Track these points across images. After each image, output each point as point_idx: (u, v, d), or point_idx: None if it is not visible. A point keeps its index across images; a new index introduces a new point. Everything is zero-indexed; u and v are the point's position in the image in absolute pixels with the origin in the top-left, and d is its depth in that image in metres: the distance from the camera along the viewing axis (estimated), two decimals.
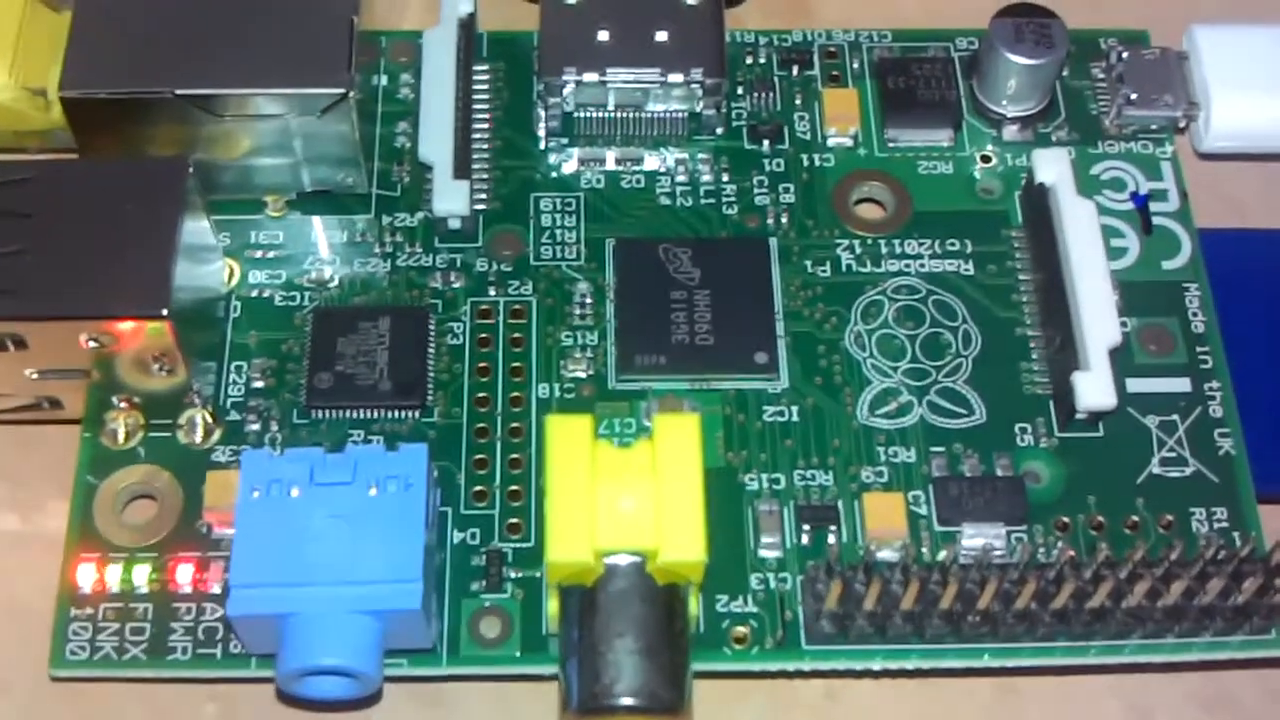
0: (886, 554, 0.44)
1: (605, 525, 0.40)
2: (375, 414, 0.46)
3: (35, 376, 0.45)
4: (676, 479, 0.41)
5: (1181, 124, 0.52)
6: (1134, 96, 0.52)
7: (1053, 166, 0.49)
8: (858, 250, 0.50)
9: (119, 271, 0.43)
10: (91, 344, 0.43)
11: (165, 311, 0.43)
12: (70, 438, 0.47)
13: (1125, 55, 0.52)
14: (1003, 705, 0.45)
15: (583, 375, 0.47)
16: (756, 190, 0.51)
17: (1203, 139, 0.52)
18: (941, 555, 0.43)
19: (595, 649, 0.40)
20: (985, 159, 0.51)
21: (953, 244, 0.50)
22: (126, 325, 0.43)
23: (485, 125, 0.51)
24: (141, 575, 0.44)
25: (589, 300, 0.49)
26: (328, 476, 0.42)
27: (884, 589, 0.43)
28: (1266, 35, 0.53)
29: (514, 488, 0.46)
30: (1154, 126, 0.52)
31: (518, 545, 0.45)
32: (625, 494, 0.41)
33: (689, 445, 0.41)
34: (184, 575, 0.44)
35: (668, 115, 0.51)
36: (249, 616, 0.40)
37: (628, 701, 0.40)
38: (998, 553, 0.44)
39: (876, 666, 0.44)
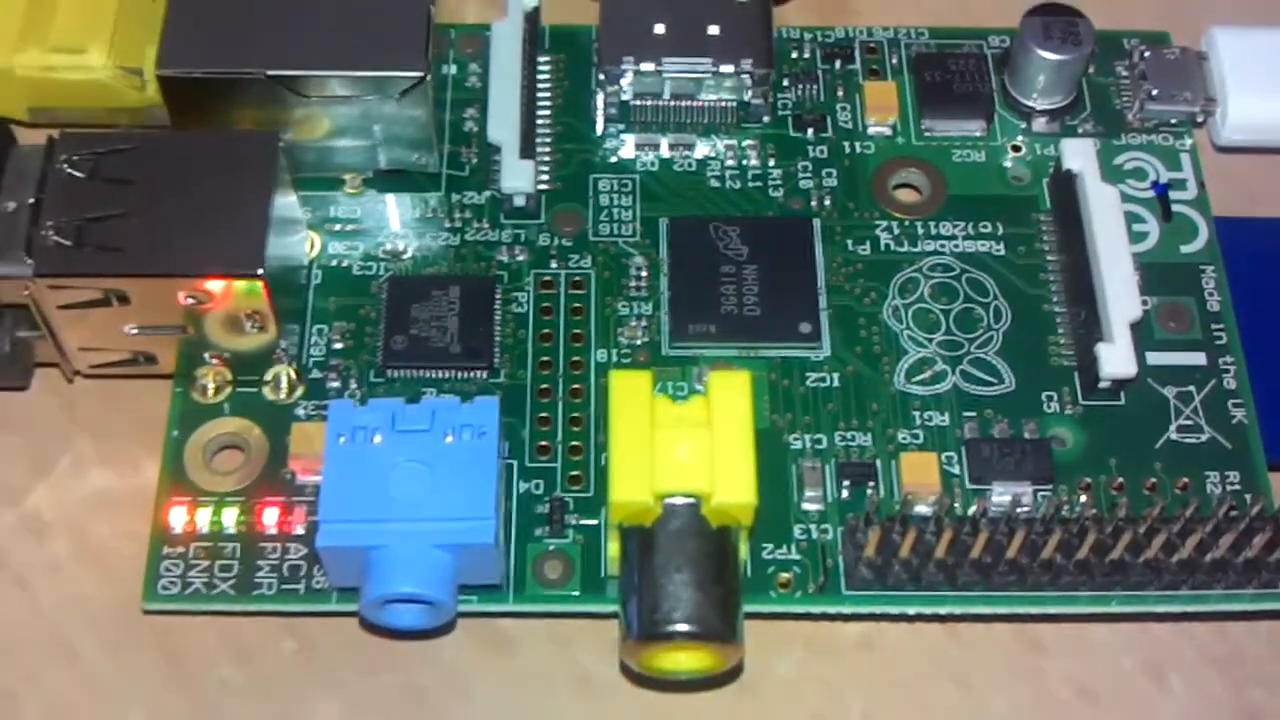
0: (921, 508, 0.47)
1: (663, 469, 0.43)
2: (446, 374, 0.49)
3: (134, 332, 0.47)
4: (729, 429, 0.43)
5: (1199, 119, 0.54)
6: (1155, 92, 0.54)
7: (1080, 155, 0.51)
8: (896, 231, 0.52)
9: (216, 235, 0.45)
10: (189, 301, 0.46)
11: (260, 271, 0.45)
12: (160, 395, 0.49)
13: (1147, 54, 0.55)
14: (1026, 659, 0.47)
15: (639, 342, 0.50)
16: (801, 175, 0.53)
17: (1219, 133, 0.54)
18: (973, 509, 0.45)
19: (654, 582, 0.42)
20: (1015, 148, 0.53)
21: (985, 226, 0.52)
22: (223, 284, 0.45)
23: (548, 111, 0.53)
24: (230, 517, 0.46)
25: (644, 274, 0.51)
26: (407, 424, 0.44)
27: (919, 539, 0.45)
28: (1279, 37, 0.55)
29: (575, 443, 0.48)
30: (1174, 121, 0.54)
31: (578, 495, 0.47)
32: (682, 442, 0.43)
33: (741, 399, 0.44)
34: (270, 517, 0.46)
35: (718, 104, 0.53)
36: (336, 548, 0.43)
37: (684, 629, 0.42)
38: (1025, 508, 0.47)
39: (911, 611, 0.46)
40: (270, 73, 0.48)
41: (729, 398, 0.44)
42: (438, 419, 0.44)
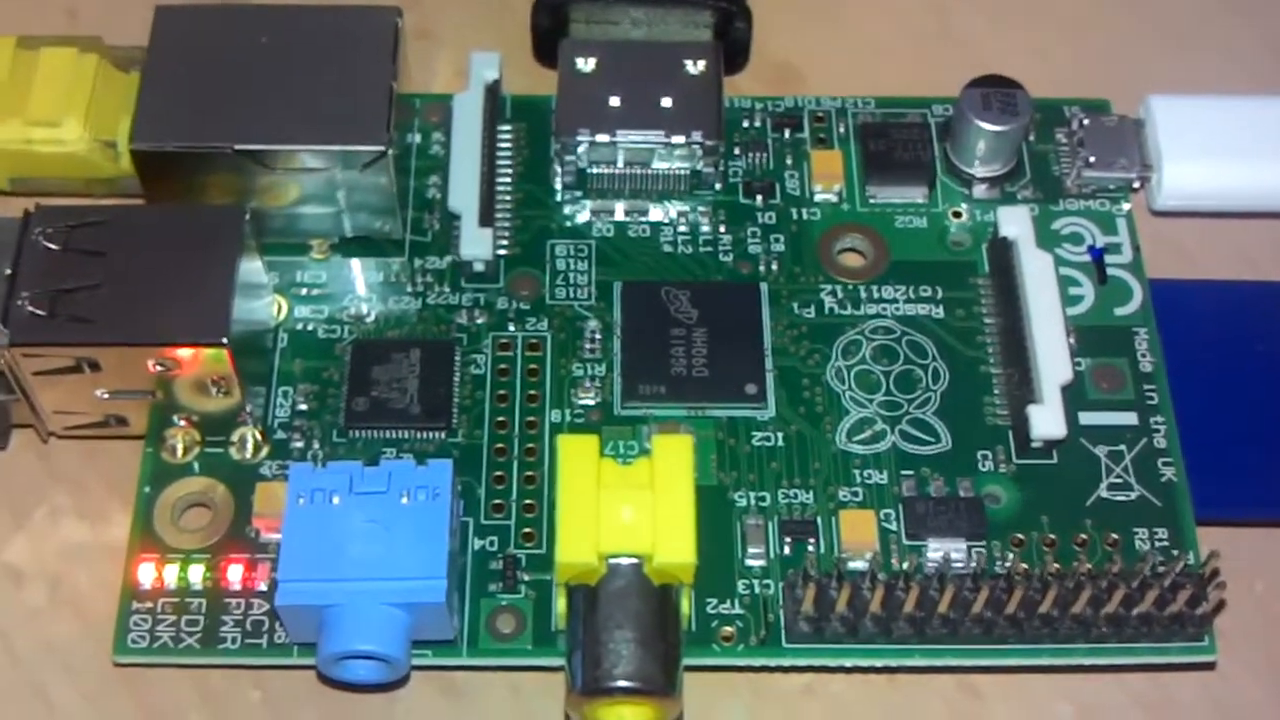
0: (858, 564, 0.48)
1: (608, 531, 0.45)
2: (406, 434, 0.50)
3: (105, 396, 0.49)
4: (671, 491, 0.45)
5: (1136, 185, 0.56)
6: (1093, 159, 0.55)
7: (1016, 222, 0.53)
8: (839, 295, 0.54)
9: (183, 305, 0.47)
10: (157, 368, 0.48)
11: (225, 340, 0.47)
12: (132, 454, 0.51)
13: (1086, 122, 0.56)
14: (965, 706, 0.49)
15: (591, 402, 0.51)
16: (750, 240, 0.54)
17: (1155, 199, 0.56)
18: (906, 565, 0.47)
19: (597, 638, 0.44)
20: (956, 214, 0.55)
21: (925, 290, 0.54)
22: (190, 351, 0.47)
23: (508, 179, 0.55)
24: (196, 574, 0.48)
25: (598, 336, 0.52)
26: (365, 486, 0.46)
27: (854, 594, 0.47)
28: (1216, 105, 0.57)
29: (528, 501, 0.49)
30: (1111, 187, 0.56)
31: (531, 552, 0.49)
32: (626, 504, 0.45)
33: (683, 462, 0.46)
34: (234, 574, 0.48)
35: (671, 172, 0.54)
36: (294, 606, 0.44)
37: (624, 684, 0.44)
38: (957, 563, 0.49)
39: (848, 664, 0.48)
40: (238, 147, 0.50)
41: (672, 460, 0.46)
42: (393, 481, 0.46)
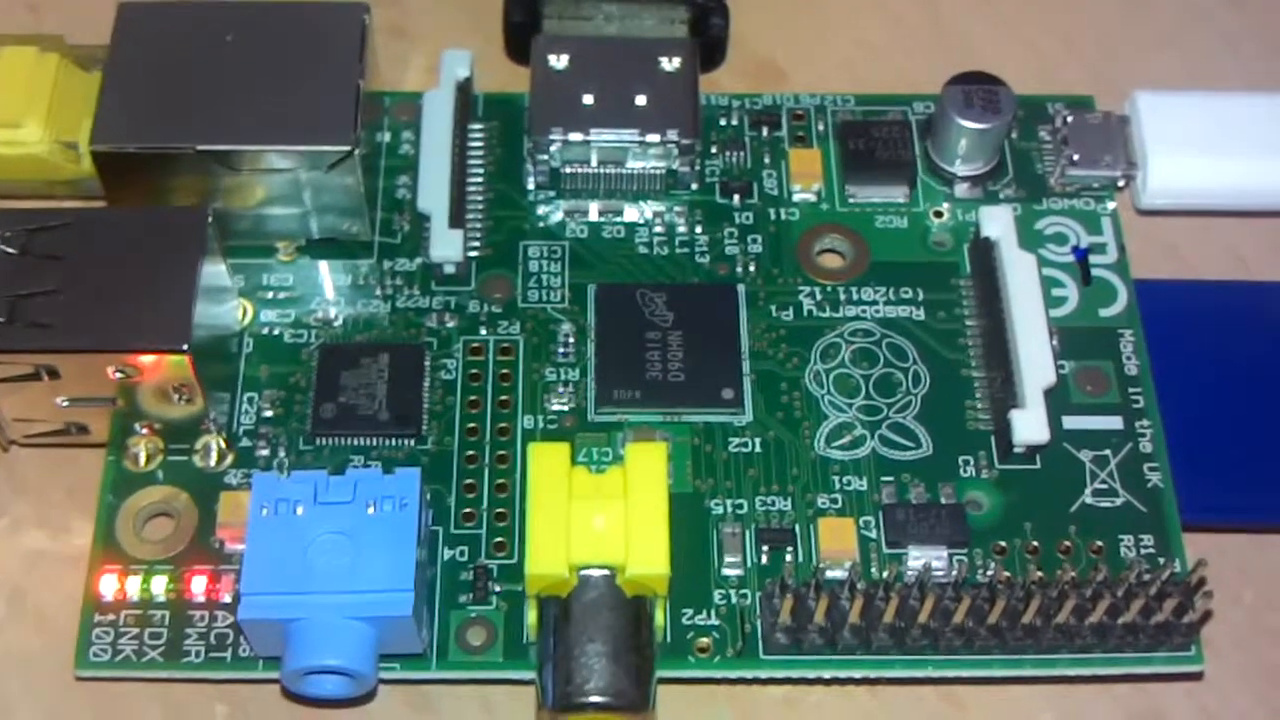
0: (836, 573, 0.48)
1: (579, 541, 0.44)
2: (374, 441, 0.50)
3: (65, 404, 0.48)
4: (644, 500, 0.45)
5: (1121, 183, 0.55)
6: (1077, 157, 0.55)
7: (998, 222, 0.52)
8: (818, 296, 0.53)
9: (145, 309, 0.46)
10: (118, 375, 0.47)
11: (186, 346, 0.46)
12: (94, 461, 0.50)
13: (1070, 119, 0.55)
14: (948, 715, 0.48)
15: (565, 408, 0.50)
16: (727, 241, 0.54)
17: (1140, 197, 0.55)
18: (885, 574, 0.46)
19: (569, 652, 0.44)
20: (938, 214, 0.54)
21: (906, 291, 0.53)
22: (150, 358, 0.46)
23: (479, 179, 0.55)
24: (159, 585, 0.47)
25: (571, 340, 0.52)
26: (330, 496, 0.45)
27: (832, 604, 0.46)
28: (1202, 102, 0.56)
29: (500, 510, 0.49)
30: (1095, 185, 0.55)
31: (502, 562, 0.48)
32: (598, 513, 0.44)
33: (656, 470, 0.45)
34: (198, 585, 0.47)
35: (646, 172, 0.54)
36: (257, 620, 0.44)
37: (596, 699, 0.43)
38: (938, 572, 0.48)
39: (827, 675, 0.47)
40: (201, 147, 0.50)
41: (645, 469, 0.45)
42: (359, 491, 0.45)
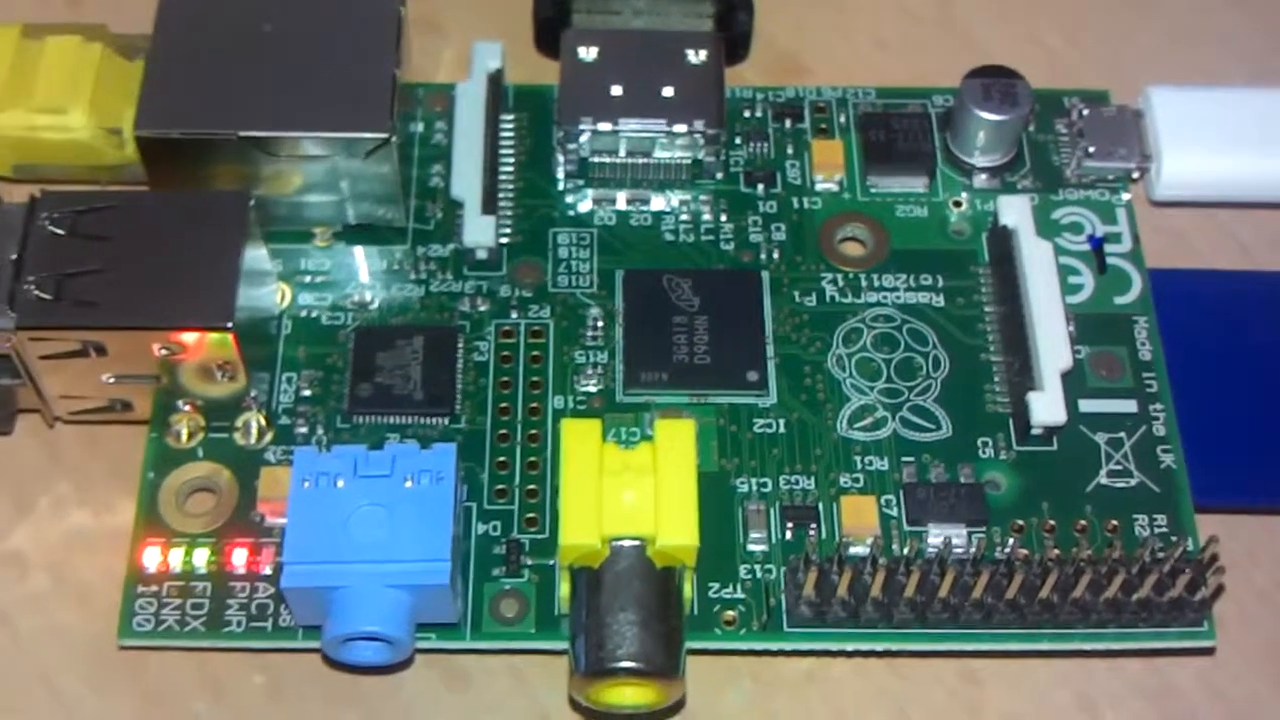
0: (859, 549, 0.49)
1: (610, 514, 0.45)
2: (409, 420, 0.51)
3: (111, 381, 0.49)
4: (673, 474, 0.46)
5: (1135, 175, 0.56)
6: (1092, 150, 0.56)
7: (1016, 211, 0.53)
8: (840, 283, 0.54)
9: (189, 289, 0.47)
10: (162, 352, 0.48)
11: (230, 324, 0.47)
12: (135, 440, 0.51)
13: (1086, 112, 0.57)
14: (964, 691, 0.49)
15: (594, 389, 0.52)
16: (751, 229, 0.55)
17: (1154, 189, 0.56)
18: (906, 550, 0.47)
19: (601, 620, 0.45)
20: (957, 204, 0.55)
21: (926, 279, 0.54)
22: (195, 336, 0.47)
23: (510, 168, 0.56)
24: (201, 558, 0.48)
25: (600, 324, 0.53)
26: (369, 470, 0.46)
27: (855, 579, 0.47)
28: (1215, 96, 0.57)
29: (531, 487, 0.50)
30: (1110, 177, 0.56)
31: (534, 537, 0.49)
32: (629, 488, 0.46)
33: (685, 446, 0.46)
34: (239, 558, 0.48)
35: (673, 161, 0.55)
36: (300, 589, 0.45)
37: (628, 665, 0.44)
38: (958, 548, 0.49)
39: (849, 648, 0.48)
40: (242, 134, 0.51)
41: (674, 445, 0.46)
42: (398, 465, 0.46)
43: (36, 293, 0.47)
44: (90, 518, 0.52)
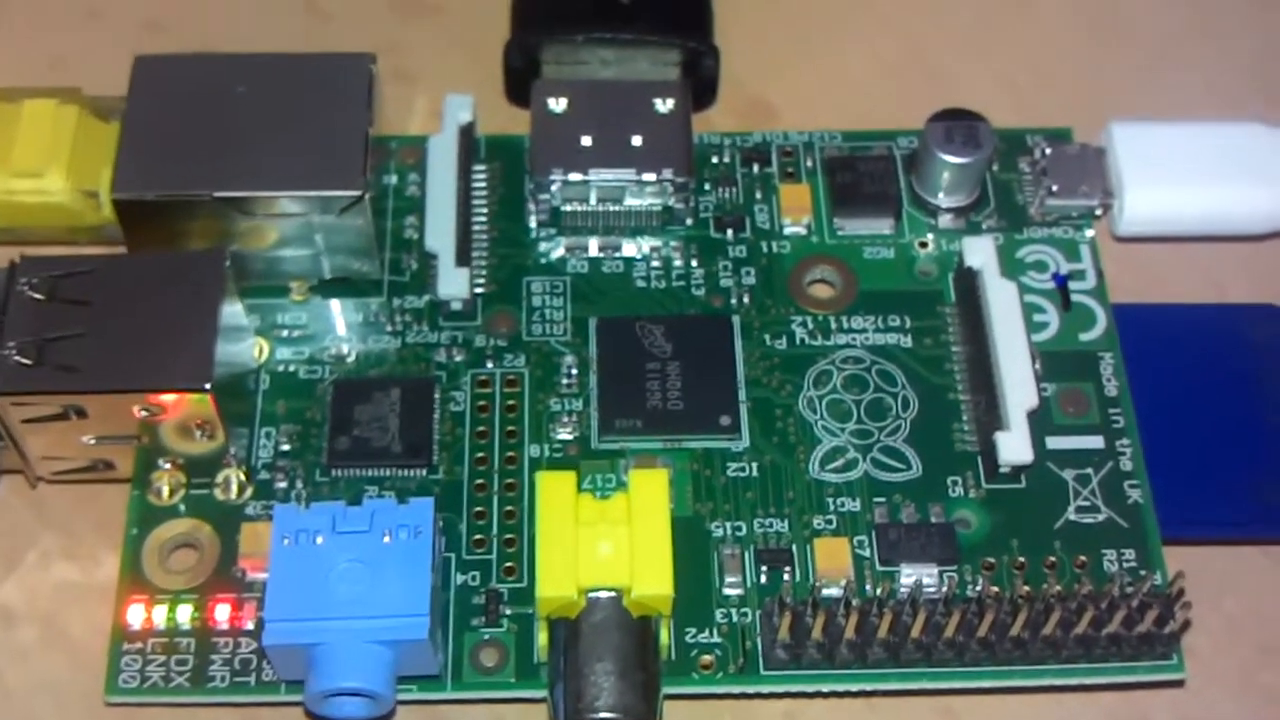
0: (832, 590, 0.49)
1: (586, 565, 0.46)
2: (387, 472, 0.51)
3: (92, 442, 0.50)
4: (648, 525, 0.46)
5: (1098, 212, 0.57)
6: (1055, 188, 0.56)
7: (980, 252, 0.54)
8: (810, 326, 0.54)
9: (167, 350, 0.48)
10: (142, 413, 0.48)
11: (208, 385, 0.48)
12: (118, 496, 0.51)
13: (1049, 150, 0.57)
14: None
15: (569, 437, 0.52)
16: (721, 274, 0.55)
17: (1118, 225, 0.57)
18: (879, 591, 0.48)
19: (579, 671, 0.45)
20: (923, 244, 0.56)
21: (894, 319, 0.55)
22: (173, 397, 0.48)
23: (483, 218, 0.56)
24: (184, 614, 0.49)
25: (574, 371, 0.53)
26: (348, 526, 0.47)
27: (829, 621, 0.48)
28: (1177, 130, 0.58)
29: (509, 536, 0.50)
30: (1074, 214, 0.57)
31: (513, 586, 0.49)
32: (604, 539, 0.46)
33: (658, 496, 0.47)
34: (222, 614, 0.49)
35: (643, 209, 0.56)
36: (281, 646, 0.45)
37: (606, 715, 0.45)
38: (930, 588, 0.50)
39: (825, 689, 0.49)
40: (217, 194, 0.51)
41: (648, 495, 0.47)
42: (376, 520, 0.47)
43: (17, 358, 0.48)
44: (77, 571, 0.52)
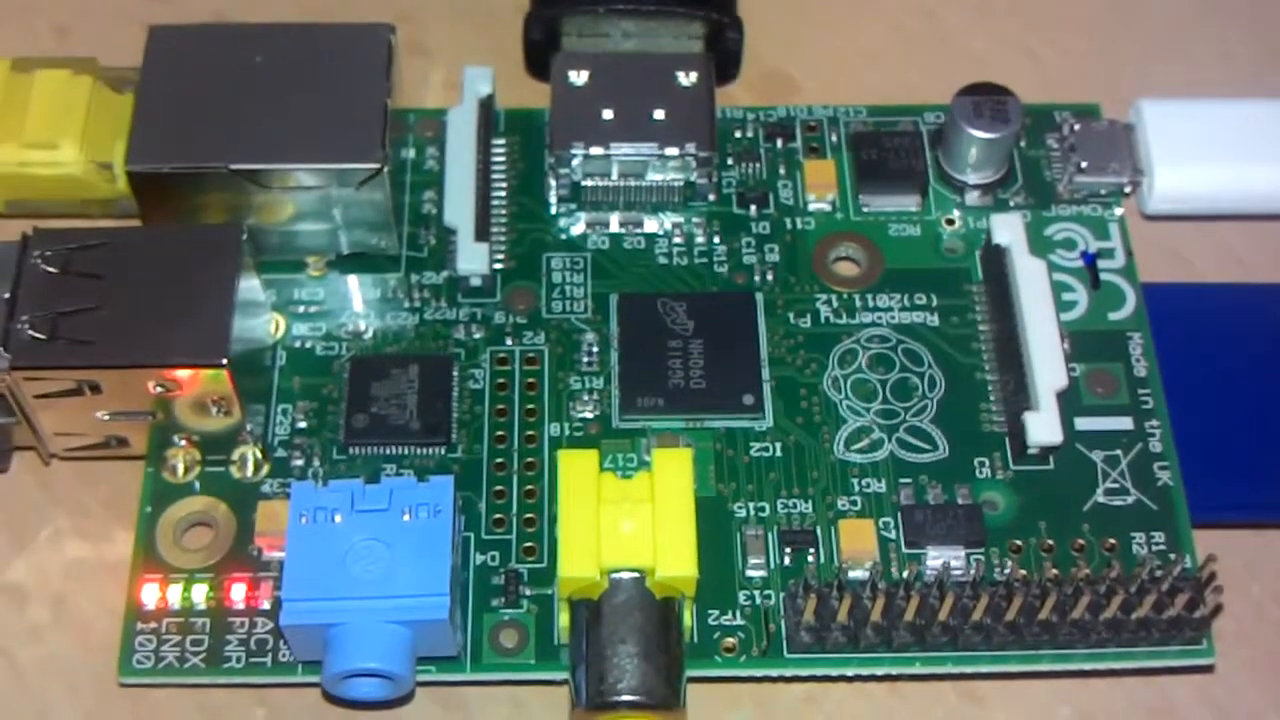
0: (858, 573, 0.49)
1: (609, 545, 0.45)
2: (405, 450, 0.51)
3: (106, 418, 0.49)
4: (671, 505, 0.46)
5: (1127, 189, 0.56)
6: (1084, 165, 0.56)
7: (1009, 229, 0.53)
8: (835, 304, 0.54)
9: (182, 326, 0.47)
10: (157, 389, 0.48)
11: (225, 360, 0.47)
12: (131, 474, 0.51)
13: (1077, 127, 0.56)
14: (967, 710, 0.49)
15: (589, 415, 0.52)
16: (744, 250, 0.55)
17: (1147, 203, 0.56)
18: (905, 573, 0.47)
19: (601, 653, 0.45)
20: (950, 222, 0.55)
21: (920, 298, 0.54)
22: (190, 372, 0.47)
23: (502, 193, 0.56)
24: (199, 594, 0.48)
25: (595, 349, 0.53)
26: (366, 504, 0.46)
27: (855, 603, 0.47)
28: (1206, 108, 0.57)
29: (529, 515, 0.50)
30: (1103, 191, 0.56)
31: (532, 566, 0.49)
32: (627, 518, 0.46)
33: (682, 475, 0.46)
34: (238, 593, 0.48)
35: (665, 184, 0.55)
36: (299, 626, 0.45)
37: (629, 698, 0.44)
38: (957, 571, 0.49)
39: (850, 673, 0.48)
40: (233, 166, 0.51)
41: (671, 474, 0.47)
42: (395, 498, 0.46)
43: (30, 332, 0.47)
44: (89, 550, 0.51)
